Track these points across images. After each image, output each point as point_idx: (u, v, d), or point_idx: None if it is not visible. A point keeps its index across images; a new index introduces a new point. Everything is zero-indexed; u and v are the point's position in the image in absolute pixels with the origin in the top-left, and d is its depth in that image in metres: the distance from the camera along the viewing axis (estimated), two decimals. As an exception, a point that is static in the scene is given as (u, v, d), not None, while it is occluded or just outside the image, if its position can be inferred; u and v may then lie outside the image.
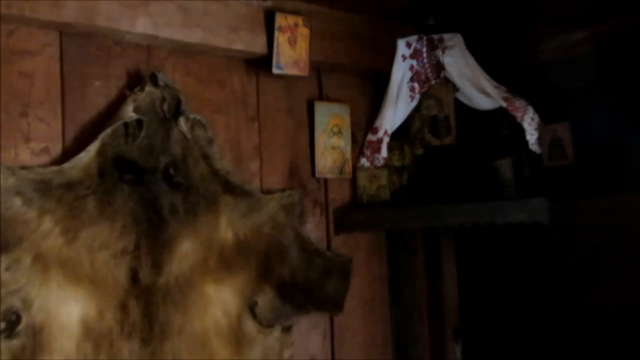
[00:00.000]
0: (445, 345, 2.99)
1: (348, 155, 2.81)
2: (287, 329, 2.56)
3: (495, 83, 2.76)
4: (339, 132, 2.77)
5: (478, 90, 2.81)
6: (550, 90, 2.72)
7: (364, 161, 2.83)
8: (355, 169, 2.83)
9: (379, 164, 2.81)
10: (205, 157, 2.38)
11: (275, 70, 2.51)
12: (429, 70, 2.86)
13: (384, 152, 2.81)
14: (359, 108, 2.89)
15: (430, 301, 3.05)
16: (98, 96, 2.24)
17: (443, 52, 2.83)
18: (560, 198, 2.62)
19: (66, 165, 2.10)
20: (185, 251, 2.31)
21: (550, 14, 2.67)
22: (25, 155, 2.09)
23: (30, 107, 2.11)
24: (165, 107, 2.29)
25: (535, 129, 2.70)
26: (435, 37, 2.84)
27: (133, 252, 2.20)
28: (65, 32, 2.18)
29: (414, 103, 2.86)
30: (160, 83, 2.27)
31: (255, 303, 2.46)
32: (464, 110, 2.85)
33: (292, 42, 2.52)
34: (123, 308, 2.17)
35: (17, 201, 2.01)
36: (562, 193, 2.66)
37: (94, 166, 2.15)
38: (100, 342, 2.13)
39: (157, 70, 2.28)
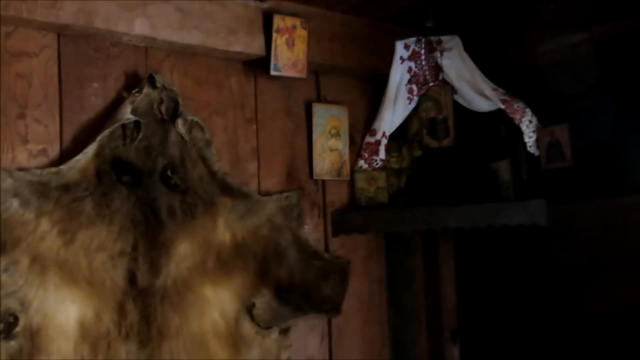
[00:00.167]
0: (443, 347, 2.99)
1: (346, 157, 2.81)
2: (284, 331, 2.55)
3: (493, 85, 2.76)
4: (337, 134, 2.77)
5: (476, 92, 2.81)
6: (549, 93, 2.72)
7: (362, 163, 2.83)
8: (353, 171, 2.83)
9: (377, 166, 2.81)
10: (203, 159, 2.38)
11: (273, 72, 2.51)
12: (427, 72, 2.86)
13: (382, 154, 2.81)
14: (357, 110, 2.89)
15: (429, 303, 3.05)
16: (96, 98, 2.24)
17: (441, 54, 2.84)
18: (558, 200, 2.62)
19: (64, 167, 2.10)
20: (183, 253, 2.31)
21: (548, 16, 2.67)
22: (22, 157, 2.09)
23: (28, 108, 2.11)
24: (163, 108, 2.29)
25: (534, 131, 2.70)
26: (434, 39, 2.84)
27: (131, 254, 2.20)
28: (63, 34, 2.18)
29: (412, 105, 2.86)
30: (158, 85, 2.27)
31: (253, 305, 2.46)
32: (462, 112, 2.85)
33: (290, 44, 2.52)
34: (120, 310, 2.17)
35: (15, 203, 2.01)
36: (561, 195, 2.66)
37: (92, 168, 2.15)
38: (97, 343, 2.13)
39: (155, 72, 2.28)
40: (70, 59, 2.20)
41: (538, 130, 2.69)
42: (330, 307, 2.70)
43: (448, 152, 2.82)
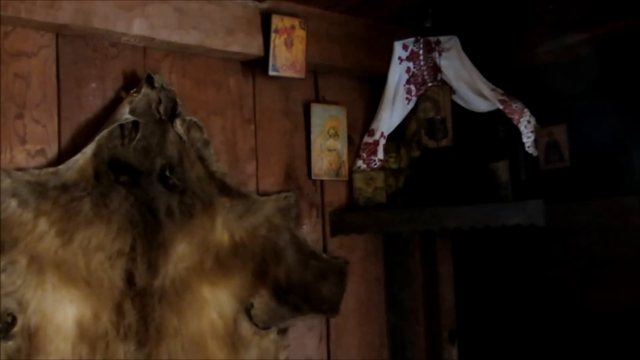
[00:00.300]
0: (441, 347, 2.99)
1: (344, 157, 2.81)
2: (283, 331, 2.55)
3: (491, 85, 2.76)
4: (336, 134, 2.77)
5: (475, 92, 2.81)
6: (547, 93, 2.72)
7: (360, 163, 2.83)
8: (351, 171, 2.83)
9: (376, 166, 2.81)
10: (201, 159, 2.38)
11: (271, 72, 2.51)
12: (425, 73, 2.86)
13: (380, 155, 2.81)
14: (356, 110, 2.89)
15: (427, 303, 3.04)
16: (94, 98, 2.24)
17: (440, 54, 2.83)
18: (556, 200, 2.62)
19: (62, 167, 2.10)
20: (181, 253, 2.31)
21: (547, 16, 2.67)
22: (21, 157, 2.09)
23: (26, 108, 2.11)
24: (162, 109, 2.29)
25: (532, 132, 2.70)
26: (432, 39, 2.84)
27: (129, 254, 2.20)
28: (61, 34, 2.18)
29: (411, 105, 2.86)
30: (157, 85, 2.27)
31: (251, 305, 2.46)
32: (460, 113, 2.85)
33: (289, 44, 2.52)
34: (119, 310, 2.17)
35: (13, 203, 2.01)
36: (559, 195, 2.66)
37: (90, 168, 2.15)
38: (95, 343, 2.13)
39: (153, 72, 2.28)
40: (69, 59, 2.20)
41: (536, 131, 2.69)
42: (328, 307, 2.70)
43: (446, 152, 2.82)
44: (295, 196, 2.66)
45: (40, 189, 2.05)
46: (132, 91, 2.25)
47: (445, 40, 2.83)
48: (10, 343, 1.99)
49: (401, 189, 2.83)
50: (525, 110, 2.70)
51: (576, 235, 2.69)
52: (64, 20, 2.09)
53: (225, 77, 2.55)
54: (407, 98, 2.85)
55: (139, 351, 2.19)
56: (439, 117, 2.82)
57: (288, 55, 2.53)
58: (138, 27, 2.24)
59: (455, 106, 2.85)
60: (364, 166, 2.82)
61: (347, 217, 2.78)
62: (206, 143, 2.39)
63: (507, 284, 2.90)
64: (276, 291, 2.51)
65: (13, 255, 2.00)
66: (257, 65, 2.56)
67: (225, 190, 2.42)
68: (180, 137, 2.32)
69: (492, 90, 2.75)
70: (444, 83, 2.85)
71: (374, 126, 2.82)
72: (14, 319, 2.00)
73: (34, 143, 2.12)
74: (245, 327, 2.44)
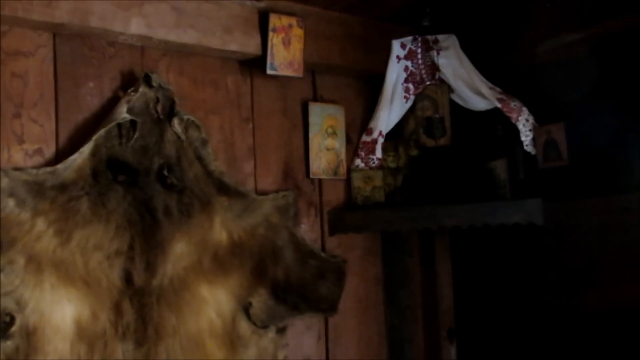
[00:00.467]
0: (439, 346, 2.99)
1: (342, 156, 2.81)
2: (281, 330, 2.55)
3: (490, 84, 2.76)
4: (334, 133, 2.77)
5: (473, 91, 2.81)
6: (545, 92, 2.71)
7: (358, 162, 2.83)
8: (349, 170, 2.83)
9: (374, 165, 2.81)
10: (200, 158, 2.38)
11: (269, 71, 2.51)
12: (423, 71, 2.86)
13: (378, 153, 2.81)
14: (354, 109, 2.89)
15: (425, 302, 3.05)
16: (92, 97, 2.24)
17: (438, 53, 2.83)
18: (555, 199, 2.62)
19: (60, 167, 2.09)
20: (180, 252, 2.31)
21: (545, 15, 2.67)
22: (18, 157, 2.09)
23: (24, 108, 2.11)
24: (159, 108, 2.29)
25: (530, 130, 2.70)
26: (430, 38, 2.84)
27: (127, 253, 2.20)
28: (58, 33, 2.18)
29: (409, 104, 2.86)
30: (154, 84, 2.27)
31: (250, 304, 2.46)
32: (458, 111, 2.85)
33: (287, 43, 2.52)
34: (117, 309, 2.17)
35: (11, 202, 2.01)
36: (557, 194, 2.66)
37: (88, 167, 2.15)
38: (94, 343, 2.13)
39: (151, 71, 2.28)
40: (66, 58, 2.20)
41: (535, 129, 2.69)
42: (327, 306, 2.70)
43: (445, 151, 2.82)
44: (294, 195, 2.66)
45: (37, 189, 2.05)
46: (129, 90, 2.25)
47: (443, 39, 2.83)
48: (8, 343, 1.99)
49: (399, 188, 2.83)
50: (524, 108, 2.70)
51: (574, 233, 2.69)
52: (61, 20, 2.09)
53: (223, 76, 2.55)
54: (405, 97, 2.85)
55: (137, 350, 2.19)
56: (437, 115, 2.82)
57: (286, 54, 2.52)
58: (135, 26, 2.23)
59: (454, 105, 2.85)
60: (362, 165, 2.82)
61: (345, 216, 2.78)
62: (204, 142, 2.39)
63: (506, 283, 2.90)
64: (275, 290, 2.51)
65: (11, 254, 2.00)
66: (254, 64, 2.56)
67: (224, 189, 2.42)
68: (178, 136, 2.32)
69: (490, 88, 2.75)
70: (442, 82, 2.85)
71: (372, 125, 2.82)
72: (12, 319, 1.99)
73: (31, 142, 2.11)
74: (244, 326, 2.44)
